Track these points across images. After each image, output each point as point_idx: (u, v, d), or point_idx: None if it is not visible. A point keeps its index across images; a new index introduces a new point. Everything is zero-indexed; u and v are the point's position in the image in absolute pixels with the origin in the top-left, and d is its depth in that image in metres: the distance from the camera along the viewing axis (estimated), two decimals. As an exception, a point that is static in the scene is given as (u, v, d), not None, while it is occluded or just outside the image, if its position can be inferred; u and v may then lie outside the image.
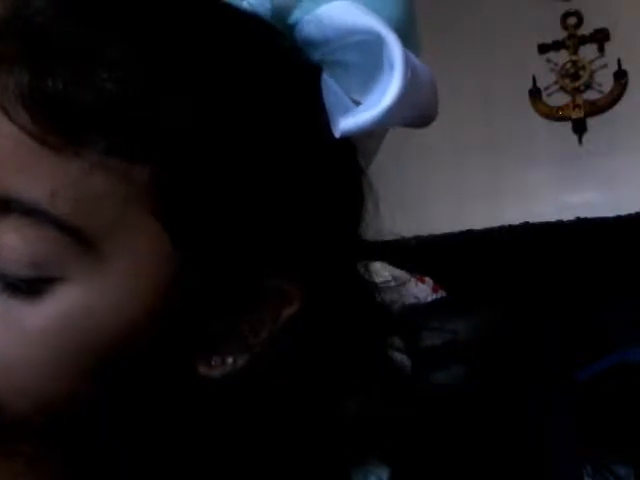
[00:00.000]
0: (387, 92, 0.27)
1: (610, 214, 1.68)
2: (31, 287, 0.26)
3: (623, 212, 1.68)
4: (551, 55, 2.00)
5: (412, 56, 0.29)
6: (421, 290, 1.38)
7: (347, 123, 0.28)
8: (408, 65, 0.27)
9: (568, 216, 1.74)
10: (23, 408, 0.27)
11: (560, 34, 2.00)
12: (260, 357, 0.31)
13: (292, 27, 0.30)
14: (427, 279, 1.43)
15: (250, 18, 0.29)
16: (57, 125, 0.24)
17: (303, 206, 0.30)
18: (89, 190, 0.25)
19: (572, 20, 1.99)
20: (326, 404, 0.32)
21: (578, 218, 1.72)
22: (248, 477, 0.32)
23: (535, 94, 2.00)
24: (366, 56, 0.29)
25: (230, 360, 0.30)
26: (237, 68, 0.27)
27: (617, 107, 1.91)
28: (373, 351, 0.35)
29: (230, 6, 0.29)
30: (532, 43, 2.02)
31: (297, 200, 0.29)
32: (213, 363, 0.30)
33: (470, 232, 1.81)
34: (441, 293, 1.44)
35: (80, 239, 0.25)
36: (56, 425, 0.28)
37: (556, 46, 2.00)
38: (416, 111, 0.31)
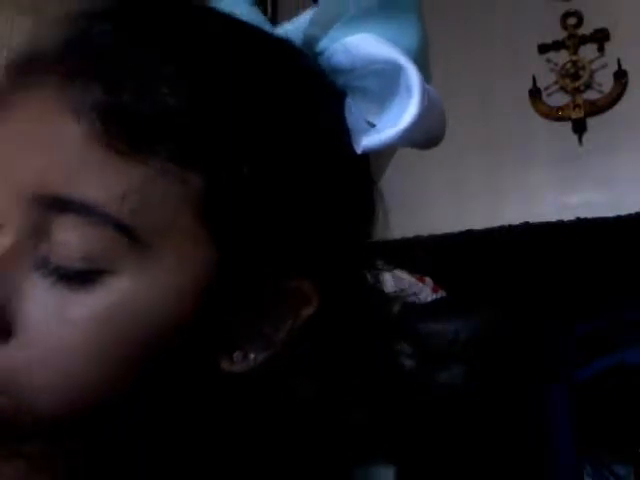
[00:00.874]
0: (405, 113, 0.31)
1: (610, 214, 1.68)
2: (83, 278, 0.28)
3: (623, 212, 1.67)
4: (551, 55, 2.00)
5: (425, 83, 0.32)
6: (421, 290, 1.39)
7: (369, 140, 0.32)
8: (425, 91, 0.31)
9: (568, 216, 1.74)
10: (62, 396, 0.28)
11: (560, 34, 2.00)
12: (279, 356, 0.33)
13: (319, 54, 0.34)
14: (427, 279, 1.43)
15: (284, 44, 0.34)
16: (126, 134, 0.27)
17: (324, 215, 0.33)
18: (150, 194, 0.28)
19: (572, 20, 1.99)
20: (336, 404, 0.34)
21: (578, 218, 1.72)
22: (254, 472, 0.33)
23: (535, 94, 2.00)
24: (383, 82, 0.33)
25: (252, 356, 0.32)
26: (272, 89, 0.31)
27: (617, 107, 1.90)
28: (381, 353, 0.37)
29: (268, 34, 0.34)
30: (532, 43, 2.02)
31: (319, 210, 0.32)
32: (235, 359, 0.32)
33: (470, 232, 1.81)
34: (441, 293, 1.45)
35: (134, 238, 0.28)
36: (89, 415, 0.29)
37: (556, 46, 2.00)
38: (427, 134, 0.35)
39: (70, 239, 0.27)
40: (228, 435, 0.33)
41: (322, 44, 0.34)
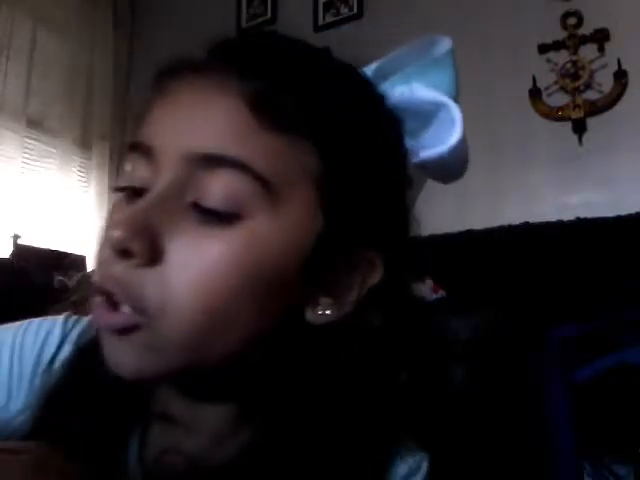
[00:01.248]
0: (452, 137, 0.44)
1: (610, 214, 1.68)
2: (227, 220, 0.35)
3: (623, 212, 1.67)
4: (551, 55, 2.00)
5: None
6: (421, 290, 1.39)
7: (425, 152, 0.45)
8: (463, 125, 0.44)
9: (568, 216, 1.74)
10: (196, 317, 0.34)
11: (560, 34, 2.00)
12: (346, 317, 0.39)
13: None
14: (427, 279, 1.43)
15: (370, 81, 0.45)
16: (273, 115, 0.36)
17: (395, 208, 0.42)
18: (285, 159, 0.37)
19: (572, 20, 1.99)
20: (383, 375, 0.40)
21: (578, 218, 1.72)
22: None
23: (535, 94, 2.00)
24: (423, 121, 0.45)
25: (329, 312, 0.39)
26: (367, 108, 0.42)
27: (617, 107, 1.91)
28: (423, 336, 0.44)
29: (362, 75, 0.45)
30: (532, 43, 2.02)
31: (392, 201, 0.42)
32: (320, 311, 0.39)
33: (470, 232, 1.81)
34: (441, 293, 1.45)
35: (270, 190, 0.36)
36: (213, 339, 0.35)
37: (556, 46, 2.00)
38: (456, 163, 0.48)
39: (220, 188, 0.35)
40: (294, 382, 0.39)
41: (383, 87, 0.45)
